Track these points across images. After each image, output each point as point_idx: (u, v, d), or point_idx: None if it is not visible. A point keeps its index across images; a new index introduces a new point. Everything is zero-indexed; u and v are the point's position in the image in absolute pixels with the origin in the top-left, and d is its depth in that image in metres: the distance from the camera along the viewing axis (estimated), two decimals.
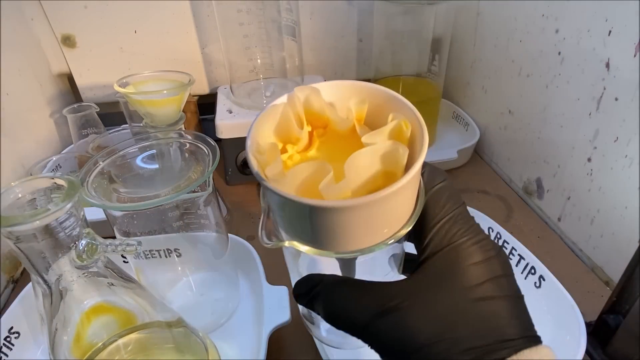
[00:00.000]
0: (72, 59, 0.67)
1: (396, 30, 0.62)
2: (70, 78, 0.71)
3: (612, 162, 0.44)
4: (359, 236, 0.18)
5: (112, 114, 0.68)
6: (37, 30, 0.64)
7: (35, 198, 0.33)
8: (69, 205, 0.23)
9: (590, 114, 0.46)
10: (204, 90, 0.74)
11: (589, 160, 0.47)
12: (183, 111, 0.55)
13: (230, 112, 0.62)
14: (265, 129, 0.19)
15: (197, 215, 0.37)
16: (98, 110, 0.62)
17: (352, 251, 0.19)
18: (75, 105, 0.61)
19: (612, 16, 0.42)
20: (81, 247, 0.25)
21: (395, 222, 0.19)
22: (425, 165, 0.20)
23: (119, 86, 0.51)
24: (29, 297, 0.39)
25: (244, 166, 0.63)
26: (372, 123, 0.20)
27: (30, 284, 0.38)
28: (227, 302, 0.43)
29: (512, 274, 0.19)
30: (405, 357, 0.18)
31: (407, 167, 0.17)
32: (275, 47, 0.64)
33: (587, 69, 0.46)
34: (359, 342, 0.19)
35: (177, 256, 0.38)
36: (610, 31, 0.42)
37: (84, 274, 0.26)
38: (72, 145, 0.63)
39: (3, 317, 0.38)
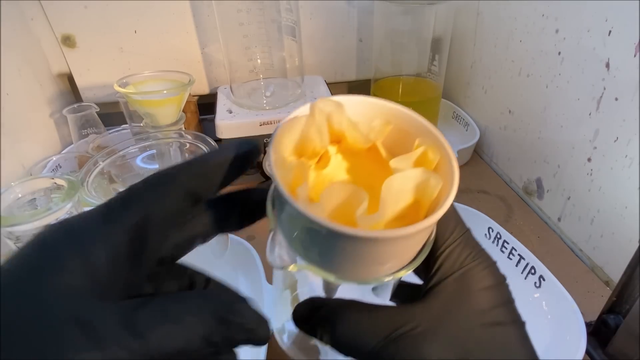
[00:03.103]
0: (72, 59, 0.67)
1: (396, 30, 0.62)
2: (70, 78, 0.71)
3: (612, 162, 0.44)
4: (376, 267, 0.17)
5: (112, 114, 0.68)
6: (37, 30, 0.64)
7: (35, 198, 0.33)
8: (69, 205, 0.23)
9: (590, 114, 0.46)
10: (204, 90, 0.74)
11: (589, 160, 0.47)
12: (183, 111, 0.56)
13: (230, 112, 0.62)
14: (287, 142, 0.18)
15: None
16: (98, 110, 0.62)
17: (363, 281, 0.18)
18: (75, 105, 0.61)
19: (612, 16, 0.42)
20: None
21: (413, 254, 0.18)
22: None
23: (119, 86, 0.51)
24: None
25: None
26: (392, 147, 0.19)
27: None
28: None
29: (514, 301, 0.19)
30: None
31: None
32: (275, 47, 0.64)
33: (587, 69, 0.46)
34: None
35: None
36: (610, 31, 0.42)
37: None
38: (72, 145, 0.63)
39: None
